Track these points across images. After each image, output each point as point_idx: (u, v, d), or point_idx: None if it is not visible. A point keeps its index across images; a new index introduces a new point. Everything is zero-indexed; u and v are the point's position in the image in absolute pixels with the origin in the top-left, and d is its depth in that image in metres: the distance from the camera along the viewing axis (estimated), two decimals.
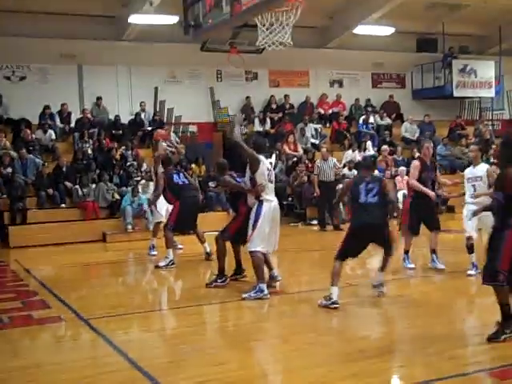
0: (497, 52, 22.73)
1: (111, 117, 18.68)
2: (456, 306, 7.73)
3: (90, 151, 16.83)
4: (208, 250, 10.97)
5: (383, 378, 5.17)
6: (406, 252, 9.57)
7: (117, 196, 15.57)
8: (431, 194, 9.07)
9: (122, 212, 15.11)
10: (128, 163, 16.74)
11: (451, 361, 5.20)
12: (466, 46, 23.92)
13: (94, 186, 15.63)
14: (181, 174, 11.10)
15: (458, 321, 7.10)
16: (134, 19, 17.82)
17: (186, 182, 11.00)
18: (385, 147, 18.97)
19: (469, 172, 9.03)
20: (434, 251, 9.46)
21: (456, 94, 22.39)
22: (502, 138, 6.31)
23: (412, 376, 5.16)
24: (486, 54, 23.49)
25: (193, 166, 17.16)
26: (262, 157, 8.01)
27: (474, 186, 8.75)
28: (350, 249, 7.39)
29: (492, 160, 19.03)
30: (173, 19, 16.64)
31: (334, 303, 7.21)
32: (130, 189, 15.42)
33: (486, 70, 22.51)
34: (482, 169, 8.81)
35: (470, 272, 8.68)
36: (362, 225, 7.28)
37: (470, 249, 8.70)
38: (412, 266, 9.50)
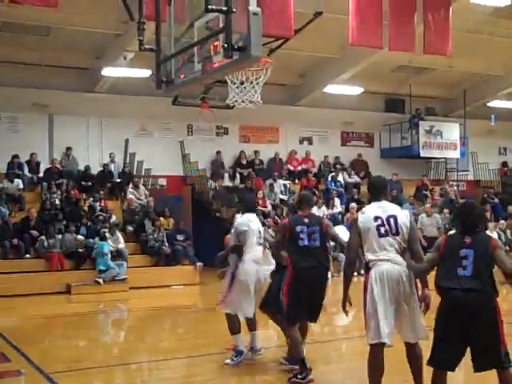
0: (461, 115, 23.36)
1: (81, 167, 18.65)
2: None
3: (57, 202, 16.72)
4: None
5: None
6: None
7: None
8: None
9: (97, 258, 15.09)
10: (96, 214, 16.65)
11: None
12: (433, 107, 24.57)
13: (60, 236, 15.49)
14: None
15: None
16: (108, 72, 18.04)
17: None
18: (353, 205, 19.16)
19: None
20: None
21: (422, 154, 22.85)
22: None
23: None
24: (452, 116, 24.11)
25: (161, 218, 17.13)
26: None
27: None
28: None
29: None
30: (145, 73, 16.82)
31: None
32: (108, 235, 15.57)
33: (452, 131, 23.06)
34: None
35: None
36: None
37: None
38: None
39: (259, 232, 7.32)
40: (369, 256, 5.50)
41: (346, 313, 5.76)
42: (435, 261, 5.23)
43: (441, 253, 5.20)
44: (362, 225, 5.57)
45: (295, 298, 6.62)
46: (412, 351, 5.52)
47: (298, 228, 6.70)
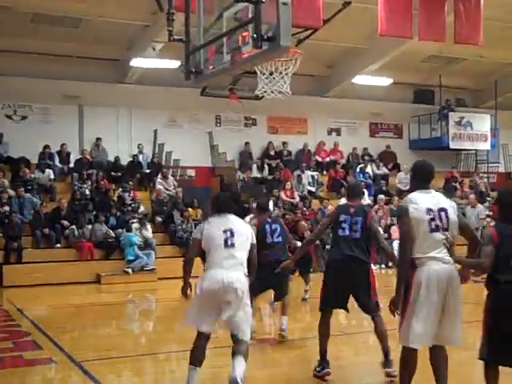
0: (492, 105, 23.07)
1: (110, 158, 18.82)
2: None
3: (87, 192, 16.91)
4: None
5: None
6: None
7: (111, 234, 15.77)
8: None
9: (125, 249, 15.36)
10: (128, 203, 16.83)
11: None
12: (463, 98, 24.31)
13: (90, 226, 15.67)
14: None
15: None
16: (137, 63, 18.14)
17: None
18: (381, 197, 19.05)
19: None
20: None
21: (452, 145, 22.64)
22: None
23: None
24: (482, 108, 23.82)
25: (189, 209, 17.23)
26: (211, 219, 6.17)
27: None
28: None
29: (488, 213, 19.15)
30: (174, 64, 16.88)
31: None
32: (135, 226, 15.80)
33: (482, 123, 22.79)
34: None
35: None
36: None
37: None
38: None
39: (225, 233, 5.96)
40: (415, 253, 5.07)
41: (394, 314, 5.17)
42: (493, 254, 4.87)
43: (495, 245, 4.87)
44: (412, 216, 5.05)
45: (327, 288, 6.55)
46: (440, 353, 5.22)
47: (342, 217, 6.51)
